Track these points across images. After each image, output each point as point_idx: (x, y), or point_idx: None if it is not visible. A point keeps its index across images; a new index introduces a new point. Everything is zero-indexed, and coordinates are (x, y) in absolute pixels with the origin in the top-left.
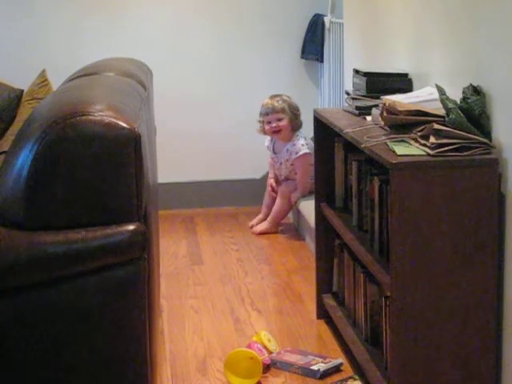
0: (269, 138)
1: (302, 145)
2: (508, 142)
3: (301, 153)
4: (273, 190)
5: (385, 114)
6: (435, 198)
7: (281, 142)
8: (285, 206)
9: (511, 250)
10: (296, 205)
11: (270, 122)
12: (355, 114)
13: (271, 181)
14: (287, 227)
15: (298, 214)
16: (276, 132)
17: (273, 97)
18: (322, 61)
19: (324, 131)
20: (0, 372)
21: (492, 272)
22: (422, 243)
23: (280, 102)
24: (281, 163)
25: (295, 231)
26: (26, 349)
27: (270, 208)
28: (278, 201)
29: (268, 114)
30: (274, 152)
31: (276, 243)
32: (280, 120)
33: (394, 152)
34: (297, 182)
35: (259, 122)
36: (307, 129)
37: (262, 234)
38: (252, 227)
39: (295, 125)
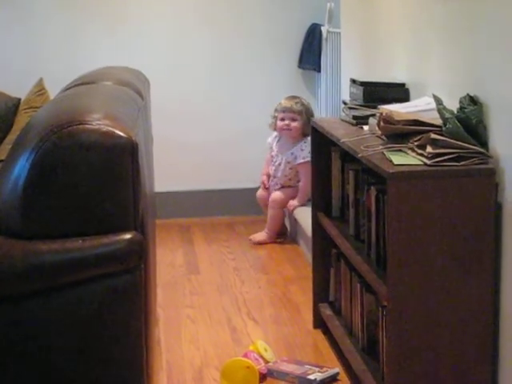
0: (273, 135)
1: (309, 152)
2: (505, 152)
3: (307, 159)
4: (264, 186)
5: (382, 123)
6: (432, 208)
7: (288, 141)
8: (278, 214)
9: (508, 259)
10: (293, 213)
11: (283, 119)
12: (352, 124)
13: (264, 177)
14: (284, 237)
15: (295, 222)
16: (286, 130)
17: (292, 98)
18: (319, 70)
19: (321, 141)
20: None
21: (489, 281)
22: (418, 253)
23: (298, 105)
24: (279, 164)
25: (292, 240)
26: (21, 357)
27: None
28: (270, 212)
29: (285, 111)
30: (277, 151)
31: (273, 252)
32: (294, 120)
33: (390, 161)
34: (300, 189)
35: (273, 117)
36: None
37: (260, 244)
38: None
39: (306, 130)
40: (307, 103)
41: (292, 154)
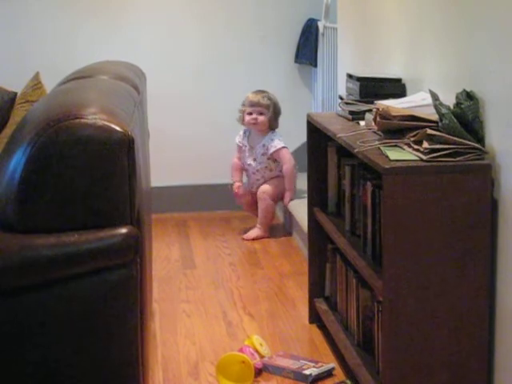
0: (241, 133)
1: (279, 140)
2: (501, 148)
3: (279, 146)
4: (237, 194)
5: (378, 118)
6: (428, 203)
7: (257, 135)
8: (270, 206)
9: (503, 255)
10: (288, 206)
11: (250, 114)
12: (349, 119)
13: (236, 184)
14: (280, 231)
15: (291, 217)
16: (253, 124)
17: (259, 92)
18: (315, 65)
19: (317, 136)
20: None
21: (484, 277)
22: (414, 248)
23: (266, 99)
24: (255, 159)
25: (288, 235)
26: (16, 351)
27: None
28: (261, 204)
29: (253, 106)
30: (250, 146)
31: (268, 247)
32: (261, 114)
33: (387, 157)
34: (284, 175)
35: (240, 111)
36: (300, 133)
37: (255, 240)
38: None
39: (273, 124)
40: (274, 98)
41: (264, 145)
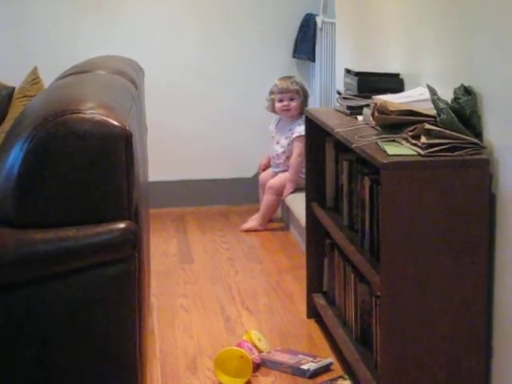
0: (273, 119)
1: None
2: (499, 143)
3: (303, 133)
4: (262, 168)
5: (376, 113)
6: (426, 198)
7: (287, 121)
8: (274, 201)
9: (501, 249)
10: (286, 201)
11: (281, 100)
12: (346, 114)
13: (264, 157)
14: (278, 226)
15: (289, 212)
16: (286, 111)
17: (287, 78)
18: (313, 60)
19: (315, 131)
20: None
21: (482, 272)
22: (412, 243)
23: (294, 85)
24: (277, 142)
25: (286, 230)
26: (14, 346)
27: None
28: (266, 197)
29: (282, 92)
30: (276, 131)
31: (267, 242)
32: (292, 100)
33: (384, 152)
34: (289, 164)
35: (269, 99)
36: None
37: (249, 231)
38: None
39: (304, 108)
40: (301, 82)
41: (290, 130)
